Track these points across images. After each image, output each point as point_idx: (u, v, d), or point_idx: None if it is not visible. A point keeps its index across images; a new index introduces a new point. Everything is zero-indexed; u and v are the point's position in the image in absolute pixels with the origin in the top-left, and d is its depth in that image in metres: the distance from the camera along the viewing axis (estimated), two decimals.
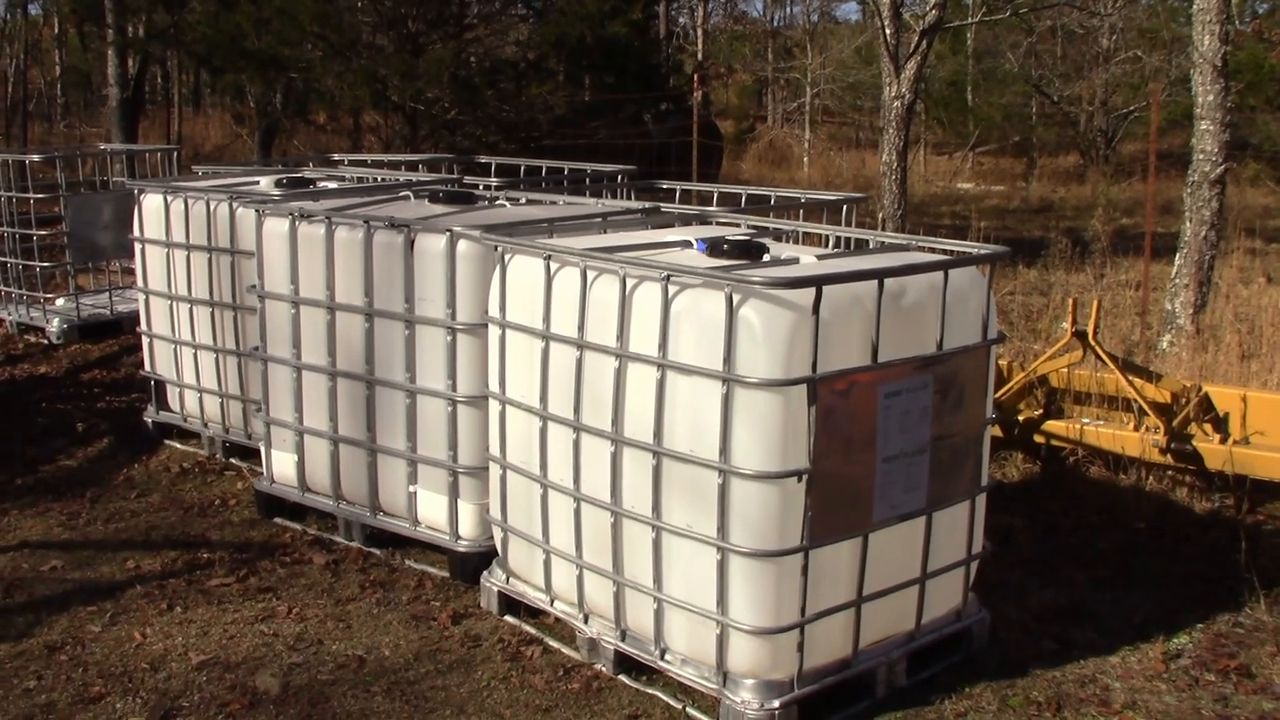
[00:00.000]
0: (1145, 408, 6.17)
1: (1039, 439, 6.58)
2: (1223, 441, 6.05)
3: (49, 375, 8.70)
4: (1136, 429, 6.27)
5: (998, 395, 6.37)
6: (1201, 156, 8.81)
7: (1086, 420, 6.50)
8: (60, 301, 9.78)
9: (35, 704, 4.27)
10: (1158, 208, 12.97)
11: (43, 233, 9.66)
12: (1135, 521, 5.95)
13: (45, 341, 9.41)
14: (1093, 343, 6.27)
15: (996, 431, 6.48)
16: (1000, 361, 6.71)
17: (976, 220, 13.84)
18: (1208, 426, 6.23)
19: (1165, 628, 4.87)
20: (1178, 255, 9.01)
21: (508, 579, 4.93)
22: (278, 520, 5.97)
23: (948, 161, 26.60)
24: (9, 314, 9.85)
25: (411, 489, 5.38)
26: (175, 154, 11.04)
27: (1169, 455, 6.06)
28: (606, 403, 4.22)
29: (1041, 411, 6.66)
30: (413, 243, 5.14)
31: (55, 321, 9.44)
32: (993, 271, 4.55)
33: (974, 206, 17.79)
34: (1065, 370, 6.57)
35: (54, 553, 5.60)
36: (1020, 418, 6.61)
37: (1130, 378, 6.28)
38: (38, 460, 6.86)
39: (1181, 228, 9.03)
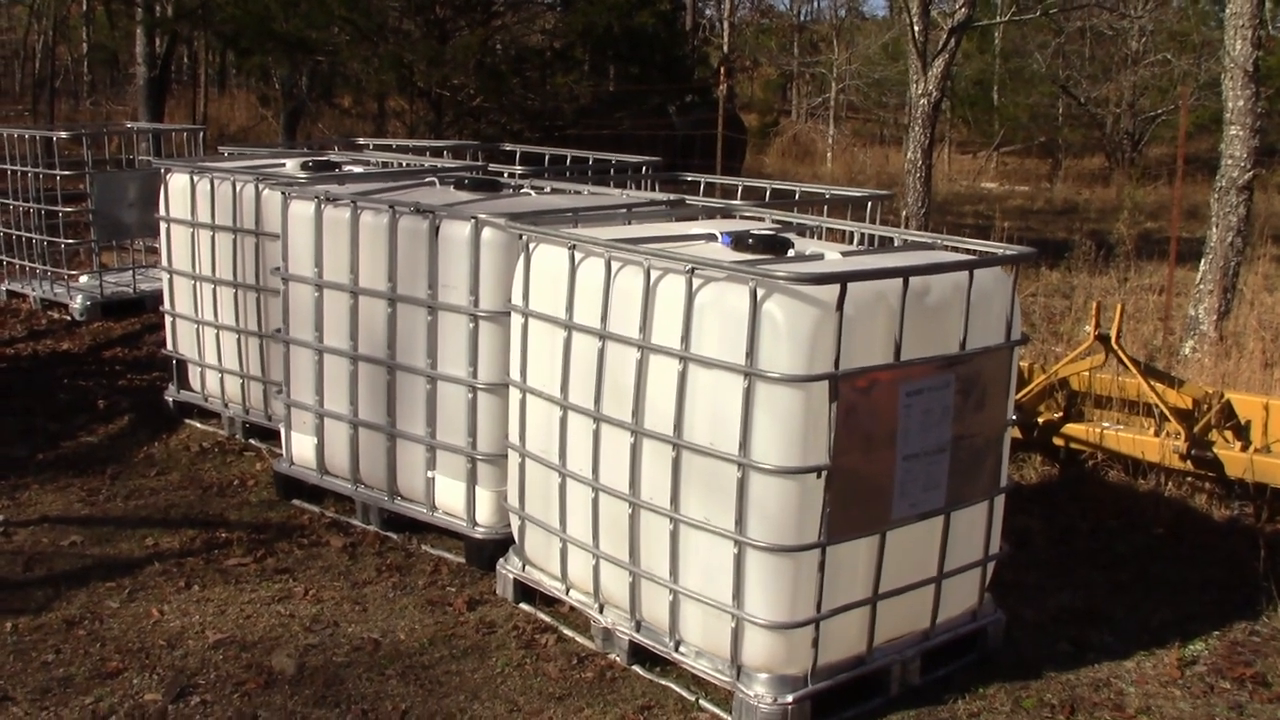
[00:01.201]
0: (1166, 413, 6.14)
1: (1058, 441, 6.56)
2: (1244, 449, 6.02)
3: (71, 352, 8.75)
4: (1157, 434, 6.25)
5: (1018, 397, 6.35)
6: (1230, 162, 8.75)
7: (1107, 424, 6.48)
8: (84, 279, 9.83)
9: (53, 677, 4.30)
10: (1184, 212, 12.89)
11: (68, 210, 9.70)
12: (1154, 527, 5.93)
13: (68, 318, 9.47)
14: (1115, 346, 6.25)
15: (1016, 433, 6.46)
16: (1022, 363, 6.69)
17: (1000, 220, 13.77)
18: (1229, 433, 6.20)
19: (1181, 634, 4.85)
20: (1203, 261, 8.96)
21: (524, 567, 4.94)
22: (296, 502, 5.99)
23: (972, 160, 26.51)
24: (33, 290, 9.90)
25: (430, 474, 5.40)
26: (200, 134, 11.06)
27: (1189, 461, 6.04)
28: (627, 394, 4.23)
29: (1062, 414, 6.63)
30: (438, 229, 5.15)
31: (78, 298, 9.49)
32: (1017, 273, 4.53)
33: (998, 206, 17.72)
34: (1086, 373, 6.54)
35: (74, 528, 5.64)
36: (1040, 420, 6.59)
37: (1152, 382, 6.25)
38: (59, 436, 6.90)
39: (1207, 233, 8.98)
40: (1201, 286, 8.90)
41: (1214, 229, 8.85)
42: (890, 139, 27.31)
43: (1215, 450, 5.98)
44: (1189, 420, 6.16)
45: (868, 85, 27.78)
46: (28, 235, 9.83)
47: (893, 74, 25.60)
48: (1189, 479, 6.24)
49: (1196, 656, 4.70)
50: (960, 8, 11.54)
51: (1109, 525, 5.96)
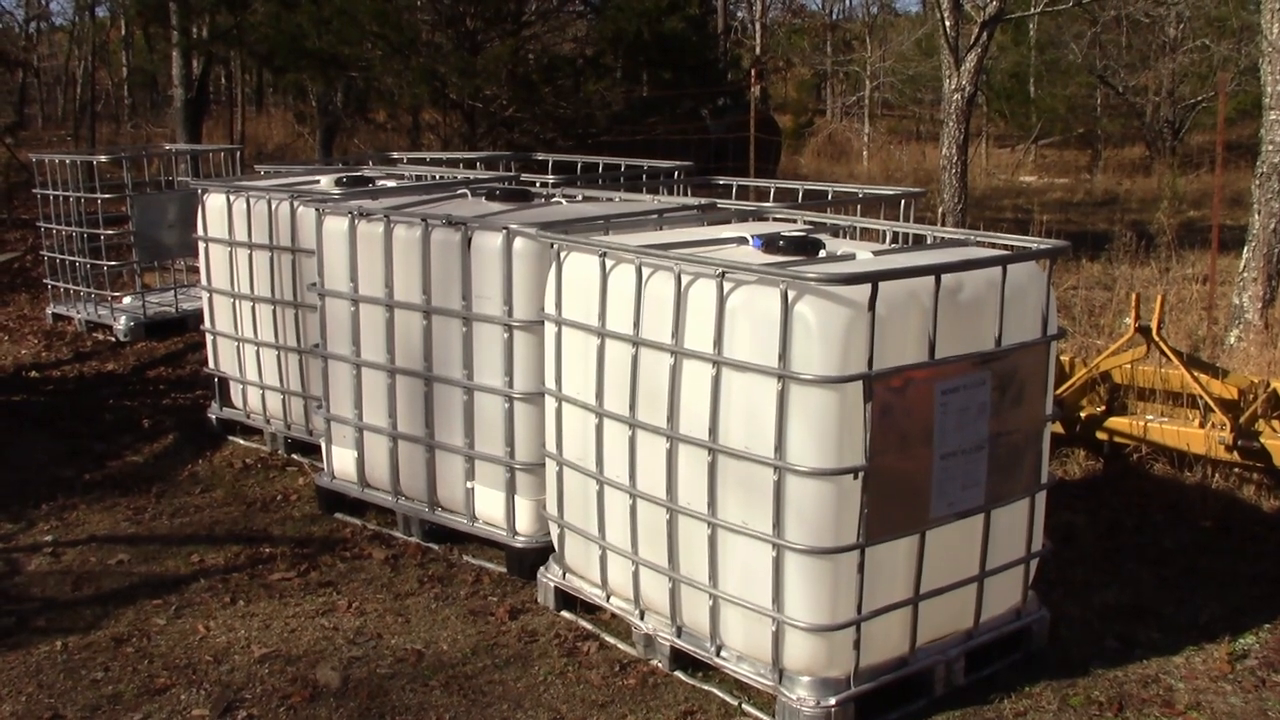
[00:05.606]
0: (1211, 404, 6.06)
1: (1101, 436, 6.49)
2: None
3: (116, 372, 8.86)
4: (1202, 426, 6.16)
5: (1059, 391, 6.29)
6: (1271, 147, 8.64)
7: (1150, 417, 6.41)
8: (127, 300, 9.96)
9: (103, 695, 4.35)
10: (1225, 200, 12.73)
11: (110, 232, 9.84)
12: (1201, 520, 5.85)
13: (112, 339, 9.59)
14: (1157, 338, 6.18)
15: (1058, 428, 6.41)
16: (1062, 357, 6.63)
17: (1039, 214, 13.63)
18: (1276, 423, 6.11)
19: (1231, 628, 4.78)
20: (1246, 248, 8.84)
21: (564, 574, 4.95)
22: (338, 515, 6.04)
23: (1010, 154, 26.30)
24: (77, 312, 10.04)
25: (469, 485, 5.42)
26: (238, 153, 11.19)
27: (1236, 452, 5.95)
28: (662, 399, 4.23)
29: (1104, 408, 6.56)
30: (470, 240, 5.17)
31: (122, 319, 9.61)
32: (1052, 266, 4.49)
33: (1036, 200, 17.56)
34: (1129, 366, 6.47)
35: (121, 547, 5.71)
36: (1082, 414, 6.52)
37: (1196, 373, 6.17)
38: (105, 456, 7.00)
39: (1250, 220, 8.86)
40: (1245, 274, 8.79)
41: (1257, 215, 8.75)
42: (926, 135, 27.12)
43: (1262, 440, 5.90)
44: (1235, 411, 6.08)
45: (902, 82, 27.61)
46: (71, 259, 9.98)
47: (927, 70, 25.41)
48: (1236, 470, 6.16)
49: (1247, 650, 4.63)
50: (992, 1, 11.45)
51: (1155, 519, 5.89)
